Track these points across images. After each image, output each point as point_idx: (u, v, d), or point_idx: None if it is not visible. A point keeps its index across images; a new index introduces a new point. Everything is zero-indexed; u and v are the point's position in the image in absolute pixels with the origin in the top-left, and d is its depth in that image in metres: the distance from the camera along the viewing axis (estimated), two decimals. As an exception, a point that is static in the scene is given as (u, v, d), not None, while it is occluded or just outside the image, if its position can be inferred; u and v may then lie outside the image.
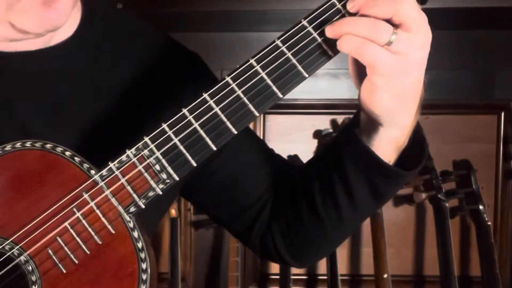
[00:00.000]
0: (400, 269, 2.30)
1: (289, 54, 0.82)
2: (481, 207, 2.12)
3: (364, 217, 1.06)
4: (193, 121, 0.83)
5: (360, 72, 0.85)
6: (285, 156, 2.19)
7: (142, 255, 0.84)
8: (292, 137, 2.32)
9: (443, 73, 2.24)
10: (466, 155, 2.19)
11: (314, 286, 2.38)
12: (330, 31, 0.81)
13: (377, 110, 0.85)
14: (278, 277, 2.20)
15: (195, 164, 0.84)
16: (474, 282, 2.30)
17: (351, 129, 0.92)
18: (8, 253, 0.84)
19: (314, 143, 2.33)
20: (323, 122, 2.32)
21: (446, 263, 2.05)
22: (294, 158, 2.19)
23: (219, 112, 0.83)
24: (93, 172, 0.84)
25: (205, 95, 0.83)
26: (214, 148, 0.83)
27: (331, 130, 2.30)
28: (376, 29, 0.78)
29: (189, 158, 0.83)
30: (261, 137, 2.24)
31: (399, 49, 0.79)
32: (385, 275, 2.06)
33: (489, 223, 2.11)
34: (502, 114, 2.30)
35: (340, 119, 2.29)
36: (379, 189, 0.95)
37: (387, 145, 0.90)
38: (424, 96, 0.87)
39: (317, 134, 2.32)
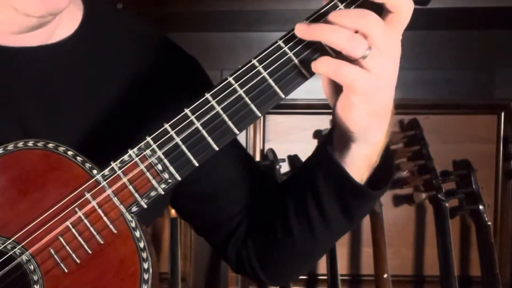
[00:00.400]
0: (400, 269, 2.30)
1: (290, 54, 0.82)
2: (481, 207, 2.11)
3: (337, 237, 1.05)
4: (195, 120, 0.83)
5: (335, 89, 0.86)
6: (285, 156, 2.21)
7: (144, 254, 0.84)
8: (292, 137, 2.31)
9: (443, 73, 2.23)
10: (466, 155, 2.18)
11: (314, 286, 2.37)
12: (302, 31, 0.80)
13: (352, 127, 0.85)
14: (278, 277, 2.19)
15: (197, 164, 0.84)
16: (474, 282, 2.29)
17: (324, 147, 0.92)
18: (10, 252, 0.84)
19: (314, 143, 2.32)
20: (323, 122, 2.31)
21: (446, 263, 2.05)
22: (294, 158, 2.18)
23: (221, 112, 0.83)
24: (95, 171, 0.84)
25: (207, 95, 0.83)
26: (216, 148, 0.84)
27: (331, 130, 2.30)
28: (353, 41, 0.78)
29: (191, 157, 0.84)
30: (261, 137, 2.23)
31: (371, 65, 0.79)
32: (385, 275, 2.06)
33: (489, 223, 2.10)
34: (502, 114, 2.29)
35: (340, 119, 2.28)
36: (350, 207, 0.95)
37: (359, 163, 0.90)
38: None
39: (317, 134, 2.31)
